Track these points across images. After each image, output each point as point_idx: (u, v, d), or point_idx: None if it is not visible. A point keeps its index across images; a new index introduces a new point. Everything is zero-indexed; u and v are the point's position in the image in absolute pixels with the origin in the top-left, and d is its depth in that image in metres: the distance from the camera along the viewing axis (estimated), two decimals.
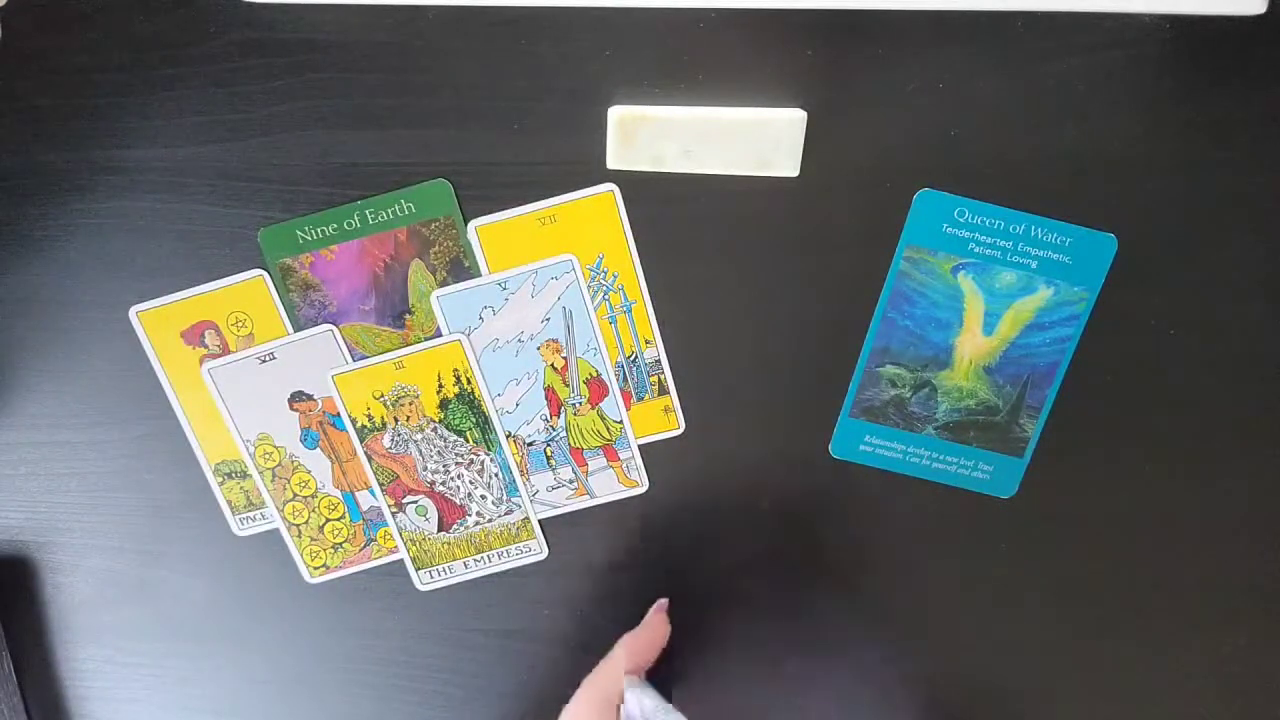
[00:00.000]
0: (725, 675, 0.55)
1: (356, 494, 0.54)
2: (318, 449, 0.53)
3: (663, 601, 0.52)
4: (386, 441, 0.52)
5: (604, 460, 0.53)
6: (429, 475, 0.53)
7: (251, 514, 0.54)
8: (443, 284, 0.50)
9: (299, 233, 0.50)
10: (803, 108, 0.47)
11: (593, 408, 0.52)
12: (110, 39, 0.47)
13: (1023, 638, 0.53)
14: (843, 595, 0.54)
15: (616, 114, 0.47)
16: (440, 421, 0.52)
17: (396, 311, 0.51)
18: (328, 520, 0.54)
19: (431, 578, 0.55)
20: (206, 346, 0.51)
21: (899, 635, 0.54)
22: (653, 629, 0.50)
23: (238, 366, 0.51)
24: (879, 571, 0.53)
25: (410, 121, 0.48)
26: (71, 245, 0.51)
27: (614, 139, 0.47)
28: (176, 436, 0.53)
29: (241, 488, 0.54)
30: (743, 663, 0.55)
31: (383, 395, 0.52)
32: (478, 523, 0.54)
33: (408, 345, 0.51)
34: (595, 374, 0.51)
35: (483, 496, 0.53)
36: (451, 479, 0.53)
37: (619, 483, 0.53)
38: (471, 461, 0.53)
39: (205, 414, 0.52)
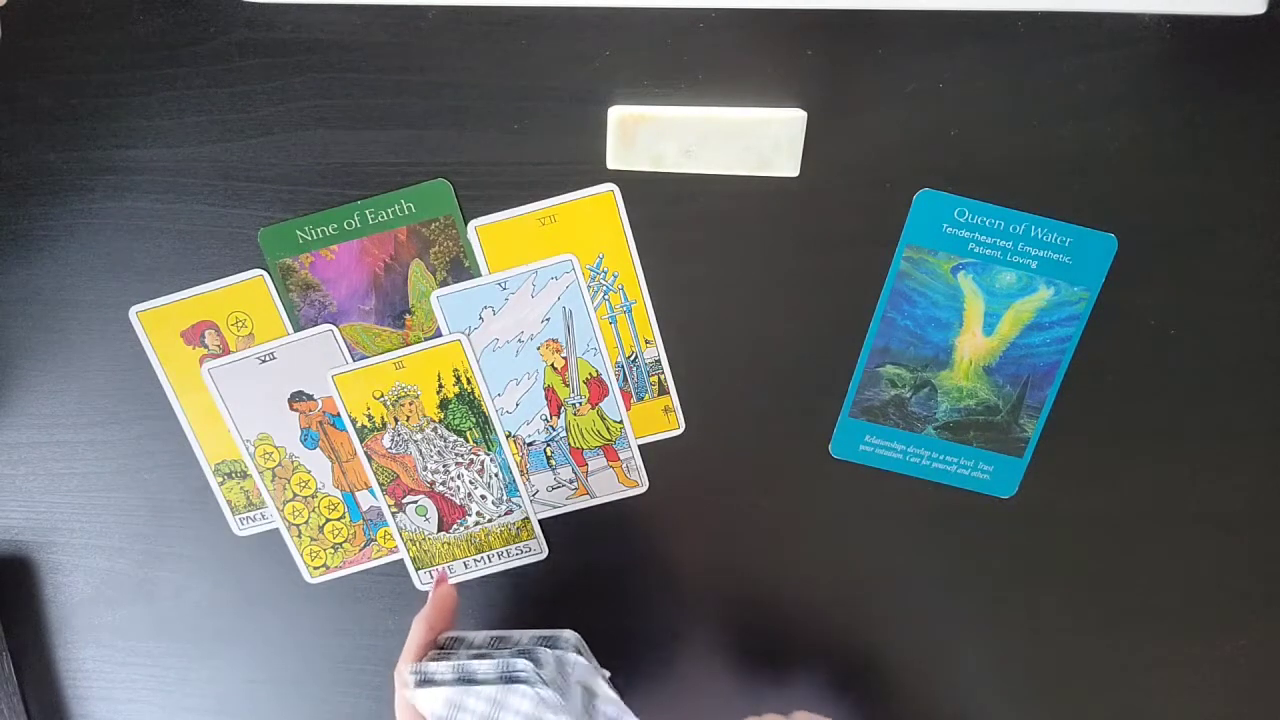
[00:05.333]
0: (724, 674, 0.55)
1: (356, 494, 0.54)
2: (318, 449, 0.53)
3: (440, 573, 0.50)
4: (386, 441, 0.52)
5: (604, 460, 0.53)
6: (429, 475, 0.53)
7: (251, 514, 0.54)
8: (443, 284, 0.50)
9: (299, 233, 0.50)
10: (803, 108, 0.47)
11: (593, 408, 0.52)
12: (110, 39, 0.47)
13: (1022, 637, 0.53)
14: (842, 595, 0.54)
15: (616, 114, 0.47)
16: (440, 421, 0.52)
17: (396, 311, 0.51)
18: (328, 520, 0.54)
19: (431, 578, 0.55)
20: (206, 346, 0.52)
21: (899, 634, 0.54)
22: (438, 599, 0.47)
23: (238, 366, 0.51)
24: (879, 571, 0.53)
25: (410, 121, 0.48)
26: (71, 245, 0.51)
27: (614, 139, 0.47)
28: (176, 436, 0.53)
29: (241, 488, 0.54)
30: (742, 661, 0.55)
31: (383, 395, 0.52)
32: (478, 523, 0.54)
33: (408, 345, 0.51)
34: (595, 374, 0.51)
35: (483, 496, 0.53)
36: (451, 479, 0.53)
37: (619, 483, 0.53)
38: (471, 461, 0.53)
39: (205, 414, 0.52)
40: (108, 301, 0.51)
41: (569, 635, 0.46)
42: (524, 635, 0.47)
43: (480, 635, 0.47)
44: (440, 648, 0.47)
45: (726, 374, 0.51)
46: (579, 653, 0.46)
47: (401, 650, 0.45)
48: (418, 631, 0.46)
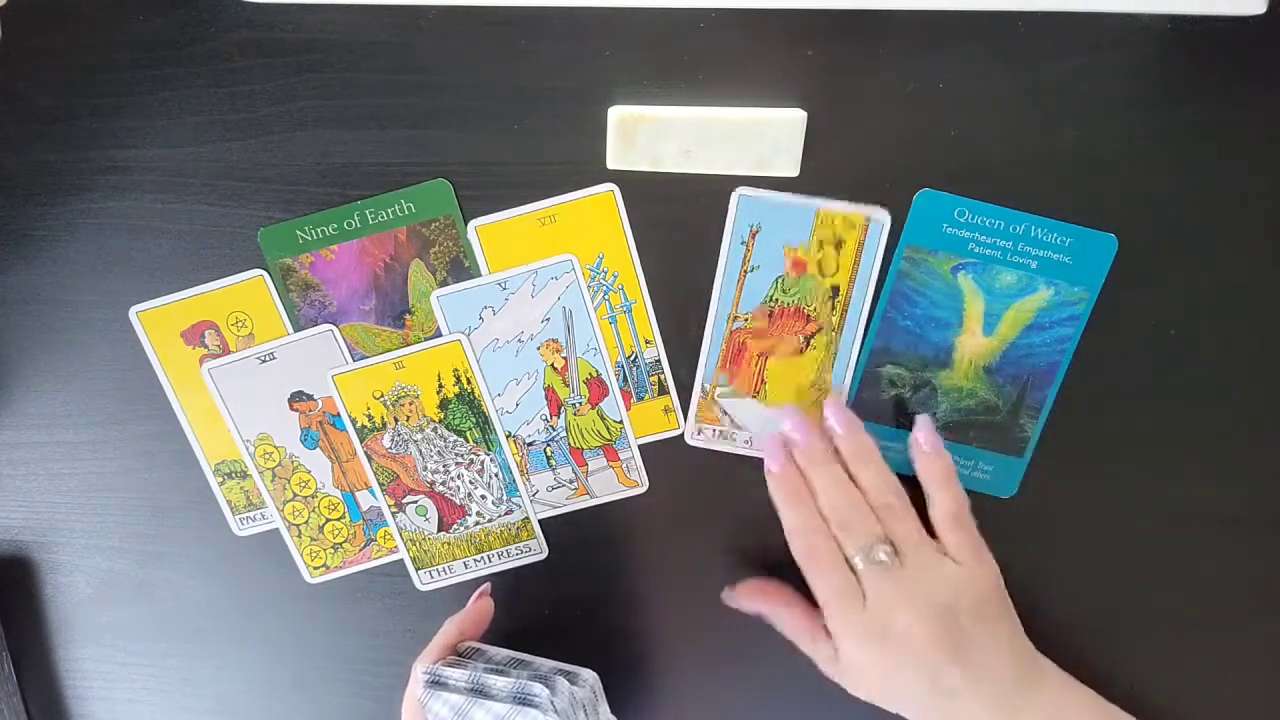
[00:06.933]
0: (725, 674, 0.55)
1: (356, 494, 0.54)
2: (318, 449, 0.53)
3: (485, 586, 0.51)
4: (386, 441, 0.52)
5: (604, 460, 0.53)
6: (429, 475, 0.53)
7: (251, 514, 0.54)
8: (443, 284, 0.50)
9: (299, 233, 0.50)
10: (803, 108, 0.47)
11: (593, 408, 0.52)
12: (110, 39, 0.47)
13: None
14: None
15: (616, 114, 0.47)
16: (440, 421, 0.52)
17: (396, 311, 0.51)
18: (328, 520, 0.54)
19: (431, 578, 0.55)
20: (206, 346, 0.52)
21: None
22: (477, 608, 0.49)
23: (238, 366, 0.51)
24: None
25: (410, 121, 0.48)
26: (71, 245, 0.51)
27: (614, 139, 0.47)
28: (176, 436, 0.53)
29: (241, 488, 0.54)
30: (743, 662, 0.55)
31: (383, 395, 0.52)
32: (478, 523, 0.54)
33: (408, 345, 0.51)
34: (595, 374, 0.51)
35: (483, 496, 0.53)
36: (451, 479, 0.53)
37: (619, 483, 0.53)
38: (471, 461, 0.53)
39: (205, 414, 0.52)
40: (108, 301, 0.51)
41: (588, 675, 0.47)
42: (544, 663, 0.47)
43: (501, 653, 0.47)
44: (459, 654, 0.47)
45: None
46: (595, 695, 0.46)
47: (406, 649, 0.45)
48: (447, 632, 0.47)
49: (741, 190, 0.47)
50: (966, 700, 0.45)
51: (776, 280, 0.48)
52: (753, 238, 0.47)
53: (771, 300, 0.49)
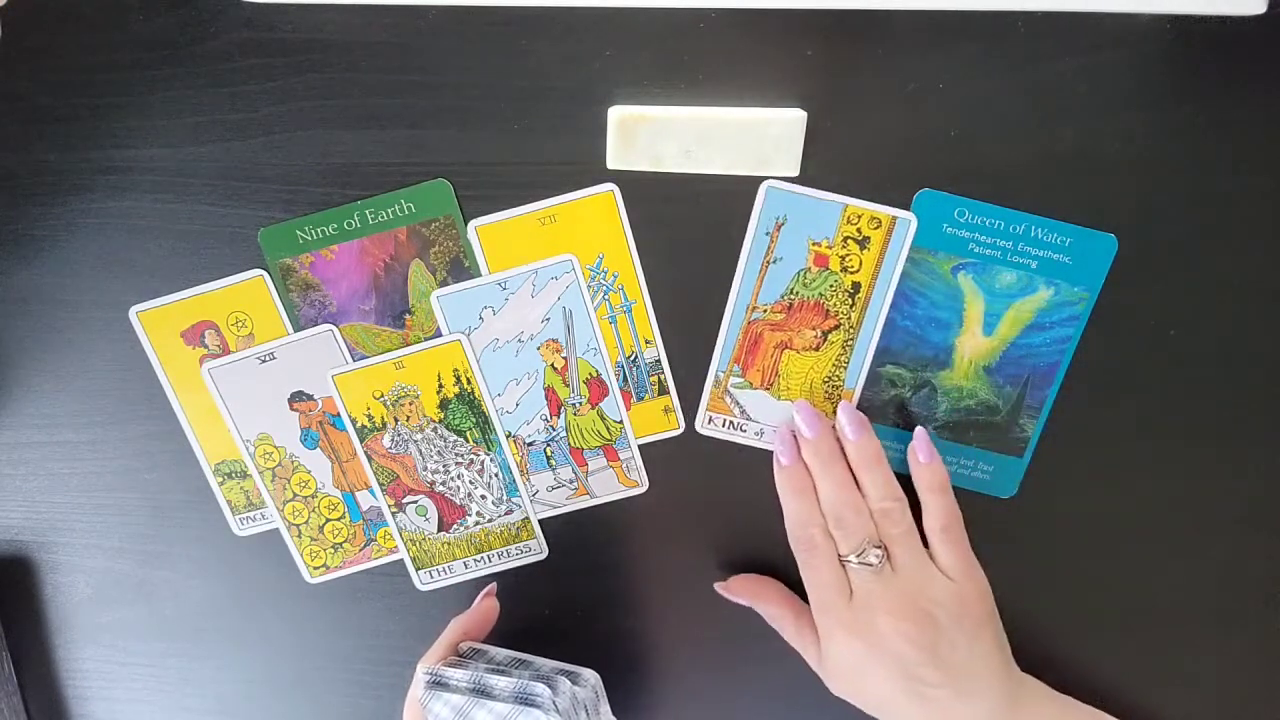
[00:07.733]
0: (725, 674, 0.55)
1: (356, 494, 0.54)
2: (318, 449, 0.53)
3: (490, 586, 0.52)
4: (386, 441, 0.52)
5: (604, 460, 0.53)
6: (429, 475, 0.53)
7: (251, 514, 0.54)
8: (443, 284, 0.50)
9: (299, 233, 0.50)
10: (803, 108, 0.47)
11: (593, 408, 0.52)
12: (110, 39, 0.47)
13: (1022, 638, 0.53)
14: None
15: (616, 114, 0.47)
16: (440, 421, 0.52)
17: (396, 311, 0.51)
18: (328, 520, 0.54)
19: (431, 578, 0.55)
20: (206, 346, 0.52)
21: None
22: (482, 609, 0.50)
23: (238, 366, 0.51)
24: None
25: (410, 121, 0.48)
26: (71, 245, 0.51)
27: (614, 139, 0.47)
28: (176, 436, 0.53)
29: (241, 488, 0.54)
30: (743, 662, 0.55)
31: (383, 395, 0.52)
32: (478, 523, 0.54)
33: (408, 345, 0.51)
34: (595, 374, 0.51)
35: (483, 496, 0.53)
36: (451, 479, 0.53)
37: (619, 483, 0.53)
38: (471, 461, 0.53)
39: (205, 414, 0.52)
40: (108, 301, 0.51)
41: (589, 675, 0.47)
42: (545, 663, 0.47)
43: (502, 653, 0.47)
44: (460, 655, 0.47)
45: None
46: (597, 695, 0.47)
47: (406, 649, 0.45)
48: (450, 632, 0.48)
49: (770, 183, 0.47)
50: (945, 711, 0.45)
51: (798, 274, 0.49)
52: (778, 230, 0.48)
53: (792, 293, 0.49)
